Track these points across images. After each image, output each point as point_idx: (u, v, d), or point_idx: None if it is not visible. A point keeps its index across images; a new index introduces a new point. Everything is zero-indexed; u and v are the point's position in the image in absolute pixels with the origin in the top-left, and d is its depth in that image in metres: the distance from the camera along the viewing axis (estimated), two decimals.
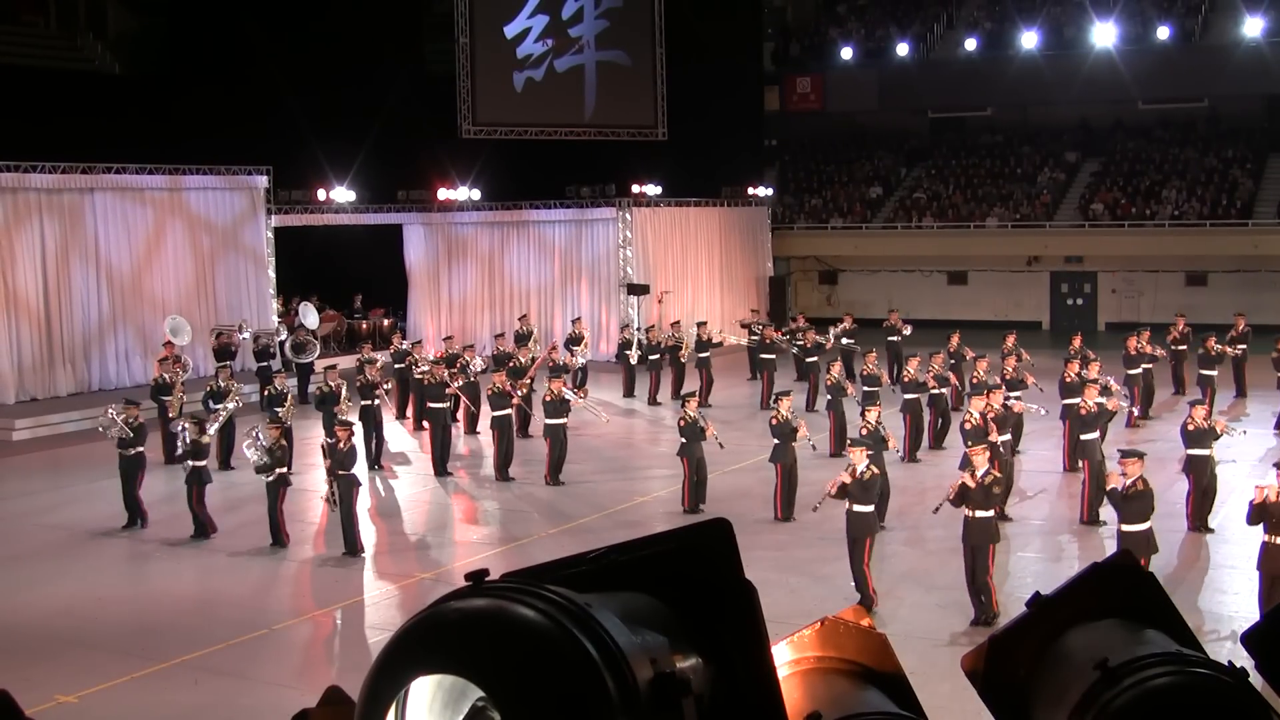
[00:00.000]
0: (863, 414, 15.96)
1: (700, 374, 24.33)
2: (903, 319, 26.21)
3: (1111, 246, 34.60)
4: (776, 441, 15.69)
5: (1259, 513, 11.19)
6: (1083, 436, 15.79)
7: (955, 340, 22.14)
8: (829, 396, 19.60)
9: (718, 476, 17.15)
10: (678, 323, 27.04)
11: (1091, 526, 14.80)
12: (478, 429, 21.36)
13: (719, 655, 1.24)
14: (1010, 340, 22.05)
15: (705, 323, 26.61)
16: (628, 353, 25.51)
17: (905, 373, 19.26)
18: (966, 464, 12.57)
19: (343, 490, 14.47)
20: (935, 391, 19.28)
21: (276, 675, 11.13)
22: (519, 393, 19.32)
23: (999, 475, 12.40)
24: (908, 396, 18.97)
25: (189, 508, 15.28)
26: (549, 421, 17.65)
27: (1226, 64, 34.21)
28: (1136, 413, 20.54)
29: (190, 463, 15.37)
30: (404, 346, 24.38)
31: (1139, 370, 21.55)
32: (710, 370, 24.54)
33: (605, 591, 1.20)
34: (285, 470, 14.94)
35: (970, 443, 13.98)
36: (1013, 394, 18.10)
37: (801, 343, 24.57)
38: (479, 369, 21.50)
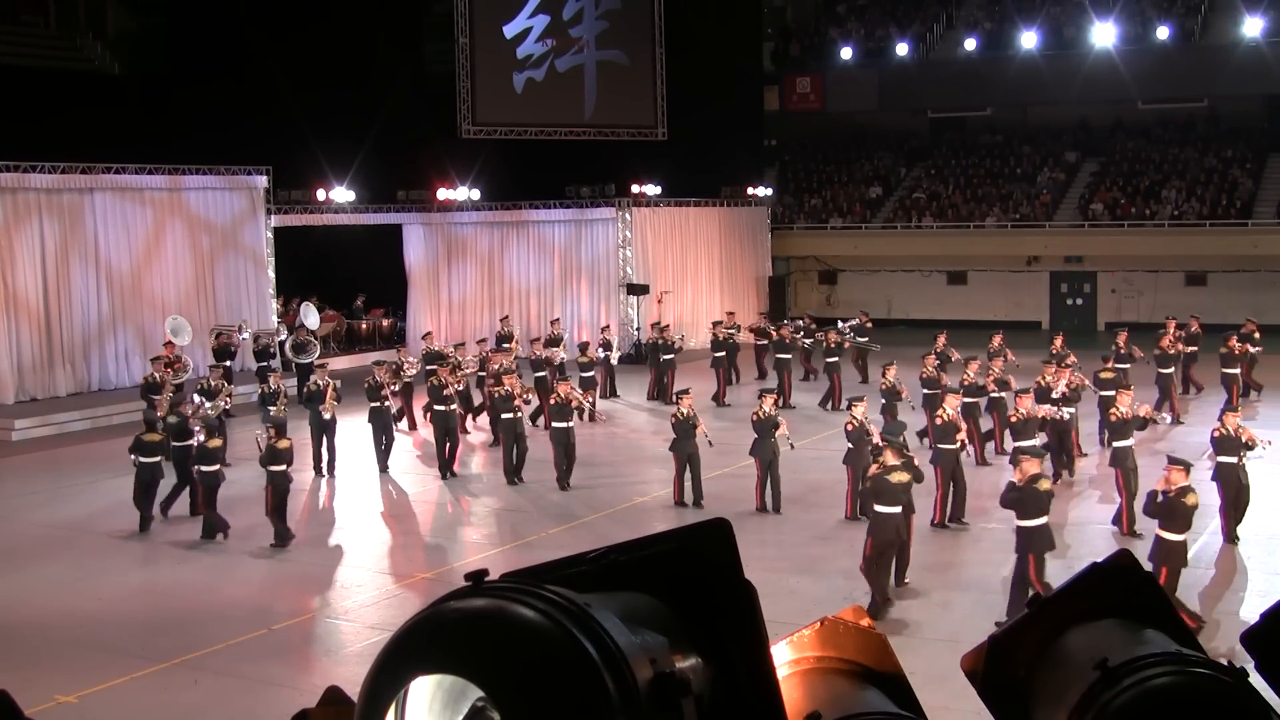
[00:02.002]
0: (849, 407, 15.97)
1: (716, 373, 24.55)
2: (870, 319, 26.64)
3: (1111, 246, 34.61)
4: (756, 436, 15.94)
5: (1161, 508, 11.28)
6: (1115, 444, 15.22)
7: (942, 341, 22.18)
8: (883, 400, 19.18)
9: (719, 476, 17.18)
10: (657, 323, 27.24)
11: (1131, 538, 14.19)
12: (467, 429, 21.38)
13: (719, 655, 1.24)
14: (997, 340, 22.01)
15: (721, 322, 26.60)
16: (608, 353, 25.44)
17: (965, 376, 18.85)
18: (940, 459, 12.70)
19: (274, 486, 14.84)
20: (995, 395, 18.93)
21: (276, 675, 11.13)
22: (524, 395, 19.14)
23: (908, 472, 12.37)
24: (966, 400, 18.44)
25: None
26: (556, 425, 17.55)
27: (1226, 64, 34.21)
28: (1168, 418, 19.66)
29: (136, 457, 15.57)
30: (435, 347, 24.07)
31: (1170, 370, 21.49)
32: (725, 369, 24.74)
33: (605, 591, 1.20)
34: (215, 468, 15.19)
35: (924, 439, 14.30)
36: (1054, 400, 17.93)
37: (808, 342, 24.68)
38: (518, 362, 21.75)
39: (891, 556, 12.33)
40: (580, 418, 19.61)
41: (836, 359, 23.43)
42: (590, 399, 20.77)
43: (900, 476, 12.26)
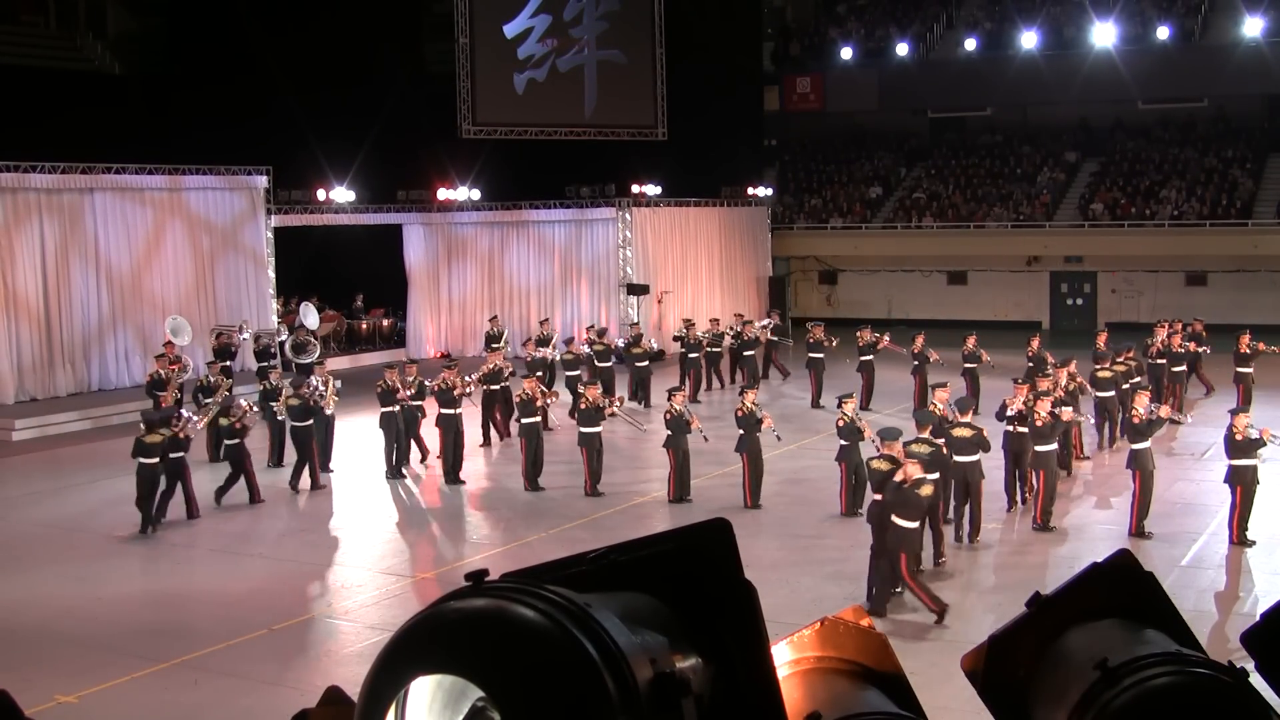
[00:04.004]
0: (840, 404, 15.97)
1: (742, 371, 24.82)
2: (779, 317, 27.05)
3: (1111, 246, 34.61)
4: (741, 432, 16.06)
5: (899, 497, 11.87)
6: (1134, 446, 14.70)
7: (920, 341, 22.22)
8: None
9: (720, 476, 17.19)
10: (636, 323, 27.26)
11: (1139, 539, 14.14)
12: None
13: (719, 655, 1.24)
14: (971, 342, 22.00)
15: (752, 321, 26.68)
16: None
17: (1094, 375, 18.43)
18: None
19: (140, 479, 15.49)
20: (1101, 395, 18.67)
21: (276, 675, 11.13)
22: (547, 398, 18.82)
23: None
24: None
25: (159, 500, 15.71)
26: (584, 430, 17.25)
27: (1226, 64, 34.22)
28: (1176, 415, 18.18)
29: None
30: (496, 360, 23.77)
31: (1181, 369, 21.36)
32: (752, 367, 24.98)
33: (605, 591, 1.20)
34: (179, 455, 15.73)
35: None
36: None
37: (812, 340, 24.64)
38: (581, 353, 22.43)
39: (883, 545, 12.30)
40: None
41: (870, 358, 23.37)
42: (618, 402, 19.95)
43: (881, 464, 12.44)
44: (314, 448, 18.01)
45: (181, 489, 16.05)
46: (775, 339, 26.77)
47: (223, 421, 17.36)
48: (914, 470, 12.08)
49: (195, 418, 17.33)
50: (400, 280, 32.72)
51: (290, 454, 19.09)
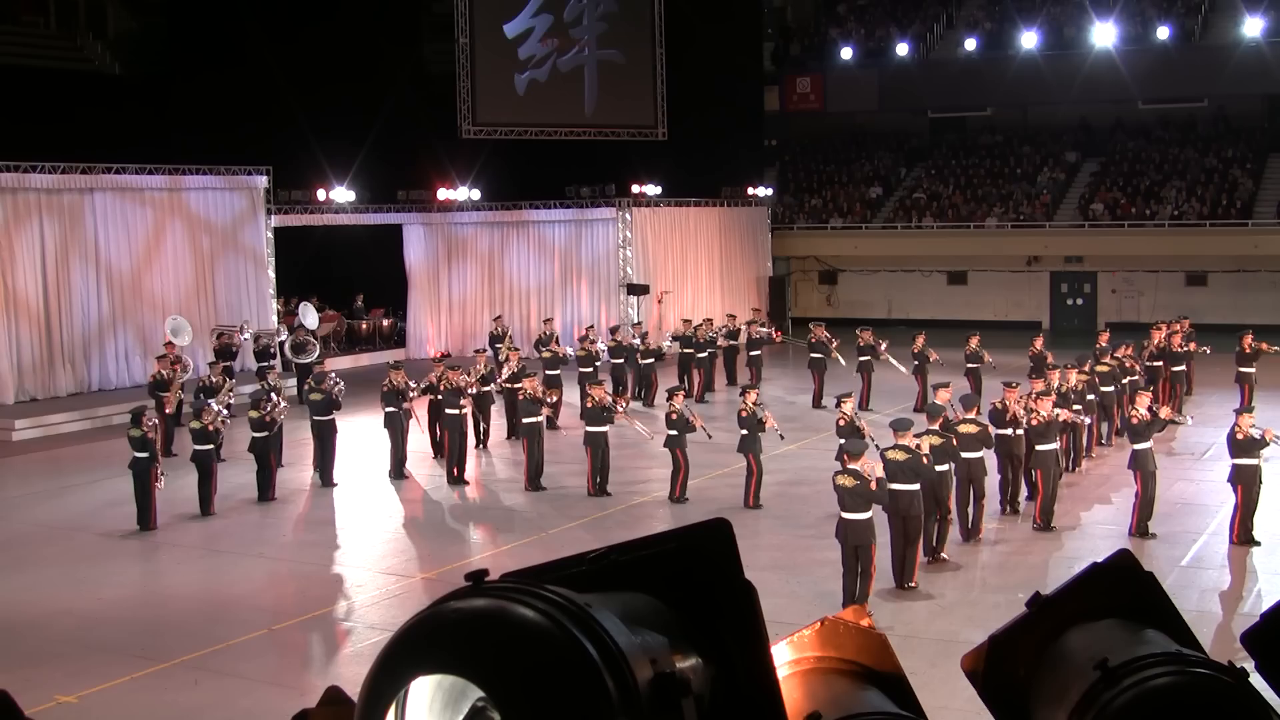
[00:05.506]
0: (839, 404, 15.93)
1: (751, 371, 24.83)
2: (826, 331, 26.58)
3: (1111, 246, 34.61)
4: (744, 433, 16.03)
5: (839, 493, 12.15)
6: (1135, 447, 14.61)
7: (920, 341, 22.25)
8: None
9: (720, 475, 17.17)
10: (639, 323, 27.43)
11: (1141, 539, 14.11)
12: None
13: (719, 655, 1.24)
14: (974, 342, 22.03)
15: (754, 321, 26.69)
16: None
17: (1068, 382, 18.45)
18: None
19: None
20: (1103, 390, 18.63)
21: (276, 675, 11.13)
22: (548, 397, 18.72)
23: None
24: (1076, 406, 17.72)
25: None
26: (590, 429, 17.15)
27: (1226, 64, 34.23)
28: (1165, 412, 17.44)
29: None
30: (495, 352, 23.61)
31: (1182, 368, 21.34)
32: (760, 367, 25.07)
33: (605, 591, 1.20)
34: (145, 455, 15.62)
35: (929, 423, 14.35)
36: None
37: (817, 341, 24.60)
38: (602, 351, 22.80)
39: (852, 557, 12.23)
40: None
41: (869, 358, 23.30)
42: (624, 403, 19.31)
43: (845, 480, 12.25)
44: (335, 443, 18.09)
45: (199, 484, 16.25)
46: (761, 338, 26.56)
47: (252, 415, 17.38)
48: (875, 467, 12.21)
49: (224, 410, 17.40)
50: (400, 280, 32.72)
51: (290, 455, 19.11)
